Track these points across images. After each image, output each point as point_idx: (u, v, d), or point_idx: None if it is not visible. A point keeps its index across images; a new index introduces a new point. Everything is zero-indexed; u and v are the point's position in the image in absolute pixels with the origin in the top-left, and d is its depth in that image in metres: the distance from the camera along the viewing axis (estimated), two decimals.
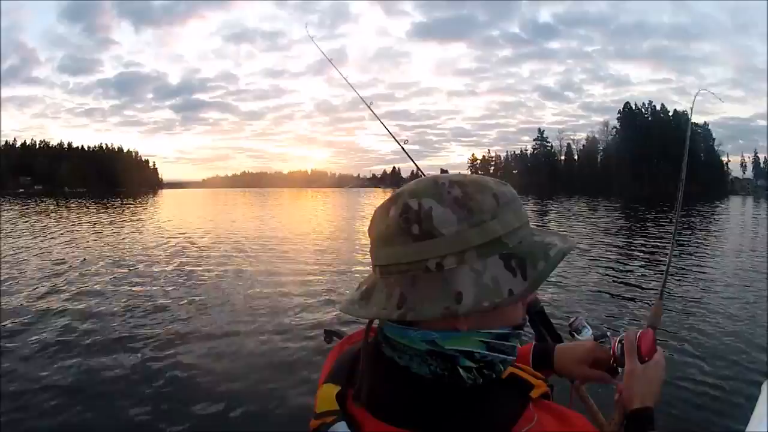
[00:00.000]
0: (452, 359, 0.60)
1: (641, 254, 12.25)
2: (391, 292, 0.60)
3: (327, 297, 7.62)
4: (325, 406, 0.67)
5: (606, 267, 10.34)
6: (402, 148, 1.80)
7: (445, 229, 0.58)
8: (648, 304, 6.98)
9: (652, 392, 0.82)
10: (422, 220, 0.59)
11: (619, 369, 0.90)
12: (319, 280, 9.12)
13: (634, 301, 7.23)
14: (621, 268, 10.38)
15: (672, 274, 8.79)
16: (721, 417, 3.56)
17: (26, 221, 22.44)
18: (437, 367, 0.60)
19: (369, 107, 1.90)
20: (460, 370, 0.60)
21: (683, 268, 9.58)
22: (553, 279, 8.57)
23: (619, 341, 0.87)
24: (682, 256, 11.12)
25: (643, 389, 0.81)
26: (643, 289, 8.08)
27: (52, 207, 35.26)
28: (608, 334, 0.98)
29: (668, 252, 1.41)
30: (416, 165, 1.71)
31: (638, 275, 9.42)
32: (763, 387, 1.97)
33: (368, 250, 0.67)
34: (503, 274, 0.58)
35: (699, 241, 14.56)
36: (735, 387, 4.00)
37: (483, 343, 0.61)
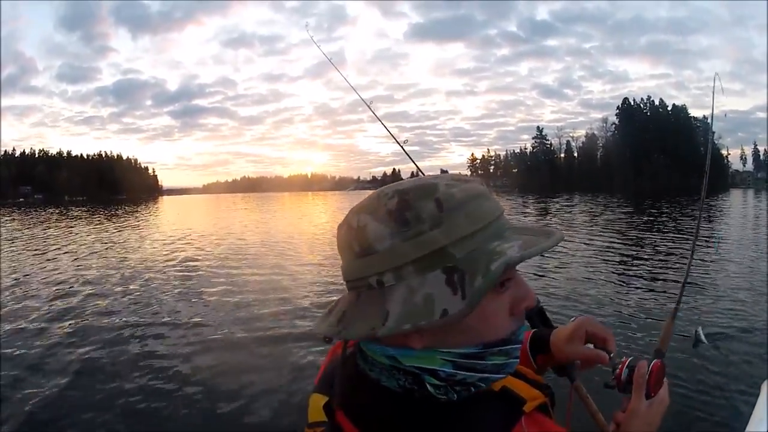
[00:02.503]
0: (414, 376, 0.58)
1: (647, 251, 12.23)
2: (340, 307, 0.60)
3: (327, 296, 7.63)
4: (314, 416, 0.67)
5: (610, 264, 10.33)
6: (402, 148, 1.79)
7: (379, 244, 0.55)
8: (655, 299, 6.96)
9: (652, 431, 0.78)
10: (360, 237, 0.57)
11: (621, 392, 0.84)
12: (320, 280, 9.15)
13: (640, 297, 7.20)
14: (625, 264, 10.38)
15: (670, 269, 8.76)
16: (721, 417, 3.51)
17: (29, 231, 22.48)
18: (405, 382, 0.58)
19: (369, 107, 1.90)
20: (428, 387, 0.57)
21: (681, 264, 9.50)
22: (556, 276, 8.56)
23: (628, 367, 0.81)
24: (681, 250, 11.05)
25: (643, 429, 0.77)
26: (651, 282, 8.06)
27: (55, 216, 35.26)
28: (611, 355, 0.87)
29: (685, 268, 1.37)
30: (417, 166, 1.70)
31: (645, 271, 9.41)
32: (763, 387, 1.96)
33: None
34: (442, 290, 0.53)
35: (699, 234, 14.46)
36: (735, 387, 3.95)
37: (448, 362, 0.57)
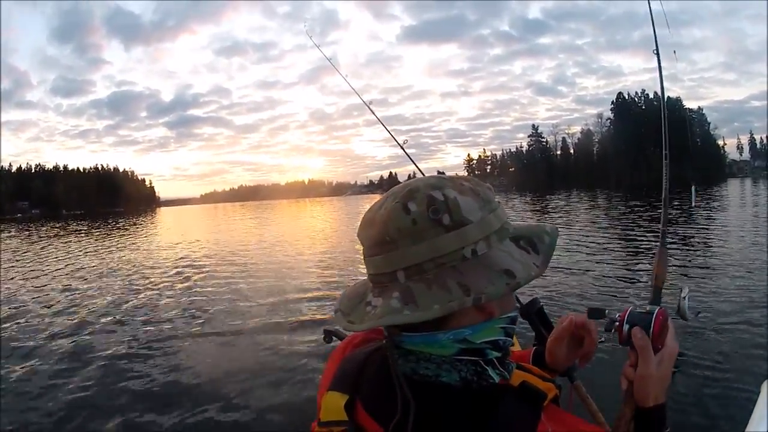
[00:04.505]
0: (480, 354, 0.62)
1: (643, 242, 12.26)
2: (444, 285, 0.58)
3: (327, 297, 7.74)
4: (332, 415, 0.65)
5: (607, 256, 10.35)
6: (402, 149, 1.81)
7: (472, 216, 0.60)
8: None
9: (666, 386, 0.74)
10: (451, 209, 0.59)
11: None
12: (319, 282, 9.24)
13: (636, 288, 7.21)
14: (623, 256, 10.42)
15: (669, 265, 8.67)
16: (721, 417, 3.47)
17: (30, 246, 22.42)
18: (467, 373, 0.61)
19: (369, 108, 1.92)
20: (488, 370, 0.62)
21: (680, 260, 9.43)
22: (553, 272, 8.57)
23: (628, 322, 0.75)
24: (678, 247, 10.91)
25: (657, 389, 0.73)
26: (644, 273, 8.04)
27: (55, 231, 35.12)
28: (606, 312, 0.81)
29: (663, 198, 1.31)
30: (417, 167, 1.71)
31: (641, 261, 9.43)
32: (763, 387, 1.94)
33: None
34: (520, 252, 0.62)
35: (696, 230, 14.21)
36: (735, 387, 3.89)
37: (502, 330, 0.64)
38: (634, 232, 14.63)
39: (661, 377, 0.73)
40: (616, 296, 6.98)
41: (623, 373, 0.75)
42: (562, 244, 12.58)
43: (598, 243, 12.58)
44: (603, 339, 0.87)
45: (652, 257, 1.01)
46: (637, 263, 9.57)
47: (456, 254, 0.59)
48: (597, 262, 9.74)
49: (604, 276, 8.83)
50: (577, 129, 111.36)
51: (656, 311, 0.75)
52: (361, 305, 0.64)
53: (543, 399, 0.62)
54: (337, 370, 0.71)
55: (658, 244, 1.02)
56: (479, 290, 0.57)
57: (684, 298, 1.06)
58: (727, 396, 3.77)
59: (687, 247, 10.93)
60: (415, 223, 0.59)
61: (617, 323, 0.77)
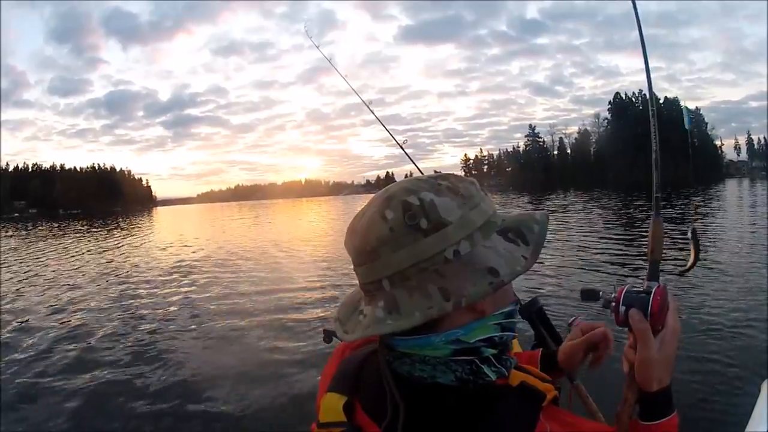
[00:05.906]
0: (476, 353, 0.61)
1: (641, 228, 12.28)
2: (425, 291, 0.58)
3: (327, 297, 7.76)
4: (331, 416, 0.65)
5: (605, 243, 10.38)
6: (402, 148, 1.81)
7: (451, 216, 0.59)
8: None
9: (669, 368, 0.70)
10: (428, 212, 0.59)
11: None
12: (319, 281, 9.23)
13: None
14: (622, 241, 10.47)
15: (665, 268, 8.68)
16: (721, 417, 3.43)
17: (28, 245, 22.35)
18: (462, 372, 0.60)
19: (368, 107, 1.91)
20: (484, 368, 0.61)
21: (678, 260, 9.43)
22: (554, 262, 8.58)
23: (624, 304, 0.71)
24: (677, 247, 10.96)
25: (660, 372, 0.68)
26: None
27: (54, 231, 34.97)
28: (601, 294, 0.78)
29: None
30: (416, 166, 1.71)
31: (640, 243, 9.45)
32: (763, 387, 1.94)
33: None
34: (508, 246, 0.61)
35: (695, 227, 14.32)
36: (734, 387, 3.86)
37: (498, 326, 0.63)
38: (633, 223, 14.67)
39: (664, 359, 0.69)
40: (615, 276, 6.99)
41: (624, 355, 0.73)
42: (562, 237, 12.64)
43: (597, 232, 12.60)
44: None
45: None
46: (636, 246, 9.60)
47: (438, 257, 0.58)
48: (596, 248, 9.75)
49: (603, 255, 8.88)
50: (574, 129, 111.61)
51: (654, 289, 0.71)
52: (355, 314, 0.65)
53: (542, 399, 0.62)
54: (336, 372, 0.72)
55: (653, 208, 0.92)
56: (460, 293, 0.57)
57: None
58: (726, 396, 3.75)
59: (684, 244, 10.91)
60: (392, 231, 0.59)
61: (613, 304, 0.73)
